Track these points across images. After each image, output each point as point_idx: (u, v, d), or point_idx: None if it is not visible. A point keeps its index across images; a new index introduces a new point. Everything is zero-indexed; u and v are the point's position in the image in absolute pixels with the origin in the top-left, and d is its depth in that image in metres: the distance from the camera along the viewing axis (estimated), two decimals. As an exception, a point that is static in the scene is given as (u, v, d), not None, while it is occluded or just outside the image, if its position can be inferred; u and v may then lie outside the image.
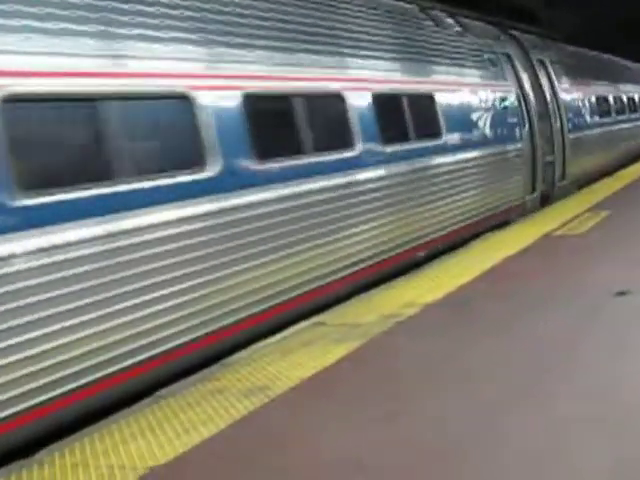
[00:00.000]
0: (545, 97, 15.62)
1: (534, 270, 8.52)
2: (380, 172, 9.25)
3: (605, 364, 5.27)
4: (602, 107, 20.70)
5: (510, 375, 5.21)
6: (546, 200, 14.85)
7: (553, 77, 16.52)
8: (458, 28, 13.20)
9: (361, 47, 9.58)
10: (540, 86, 15.52)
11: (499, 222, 12.47)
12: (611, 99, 22.23)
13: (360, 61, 9.45)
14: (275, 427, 4.68)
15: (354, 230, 8.60)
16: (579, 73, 19.41)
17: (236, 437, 4.57)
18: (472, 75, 12.68)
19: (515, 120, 13.70)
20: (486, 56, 13.38)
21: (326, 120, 8.82)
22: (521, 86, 14.37)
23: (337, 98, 8.74)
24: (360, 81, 9.25)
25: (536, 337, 6.00)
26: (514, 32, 16.20)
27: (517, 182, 13.54)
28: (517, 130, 13.72)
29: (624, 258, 8.69)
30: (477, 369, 5.39)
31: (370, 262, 8.87)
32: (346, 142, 8.74)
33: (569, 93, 17.60)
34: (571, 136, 16.79)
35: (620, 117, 23.09)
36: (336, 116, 8.79)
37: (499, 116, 13.03)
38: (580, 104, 18.43)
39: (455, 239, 10.96)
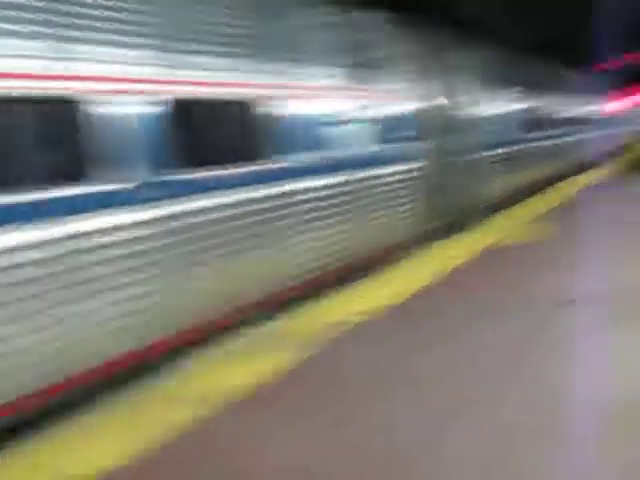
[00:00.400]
0: (452, 108, 13.22)
1: (481, 279, 8.57)
2: (141, 215, 6.13)
3: (549, 374, 5.30)
4: (529, 121, 18.72)
5: (458, 383, 5.21)
6: (453, 228, 12.63)
7: (463, 84, 14.13)
8: (316, 14, 9.59)
9: (127, 33, 6.48)
10: (448, 94, 13.11)
11: (372, 266, 9.74)
12: (544, 112, 20.40)
13: (127, 53, 6.31)
14: (221, 436, 4.61)
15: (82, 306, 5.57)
16: (502, 81, 17.16)
17: (181, 446, 4.50)
18: (330, 76, 9.39)
19: (403, 134, 10.95)
20: (360, 53, 10.28)
21: (37, 140, 5.56)
22: (417, 93, 11.68)
23: (66, 105, 5.74)
24: (121, 81, 6.30)
25: (484, 346, 6.02)
26: (416, 27, 13.03)
27: (406, 213, 10.88)
28: (406, 147, 11.00)
29: (569, 268, 8.79)
30: (425, 376, 5.39)
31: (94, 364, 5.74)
32: (79, 172, 5.69)
33: (486, 104, 15.36)
34: (486, 154, 14.70)
35: (552, 132, 21.34)
36: (63, 133, 5.71)
37: (375, 130, 10.15)
38: (500, 118, 16.34)
39: (268, 309, 7.66)
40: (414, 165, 11.18)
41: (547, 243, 10.59)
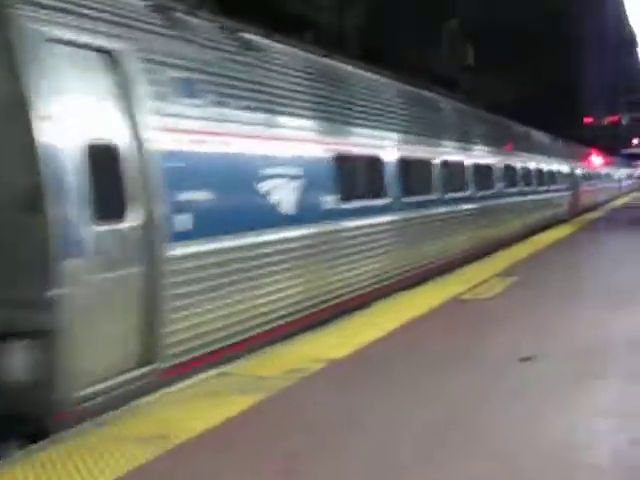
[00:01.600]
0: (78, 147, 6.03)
1: (441, 332, 8.63)
2: None
3: (506, 429, 5.35)
4: (353, 178, 11.20)
5: (412, 435, 5.25)
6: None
7: (142, 100, 6.80)
8: None
9: None
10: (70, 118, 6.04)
11: None
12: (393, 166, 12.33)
13: None
14: (172, 477, 4.64)
15: None
16: (282, 104, 9.37)
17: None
18: None
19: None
20: None
21: None
22: None
23: None
24: None
25: (440, 399, 6.07)
26: None
27: None
28: None
29: (530, 323, 8.90)
30: (380, 428, 5.42)
31: None
32: None
33: (196, 142, 7.53)
34: (180, 251, 7.03)
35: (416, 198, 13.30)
36: None
37: None
38: (255, 170, 8.44)
39: None
40: None
41: (509, 298, 10.69)
